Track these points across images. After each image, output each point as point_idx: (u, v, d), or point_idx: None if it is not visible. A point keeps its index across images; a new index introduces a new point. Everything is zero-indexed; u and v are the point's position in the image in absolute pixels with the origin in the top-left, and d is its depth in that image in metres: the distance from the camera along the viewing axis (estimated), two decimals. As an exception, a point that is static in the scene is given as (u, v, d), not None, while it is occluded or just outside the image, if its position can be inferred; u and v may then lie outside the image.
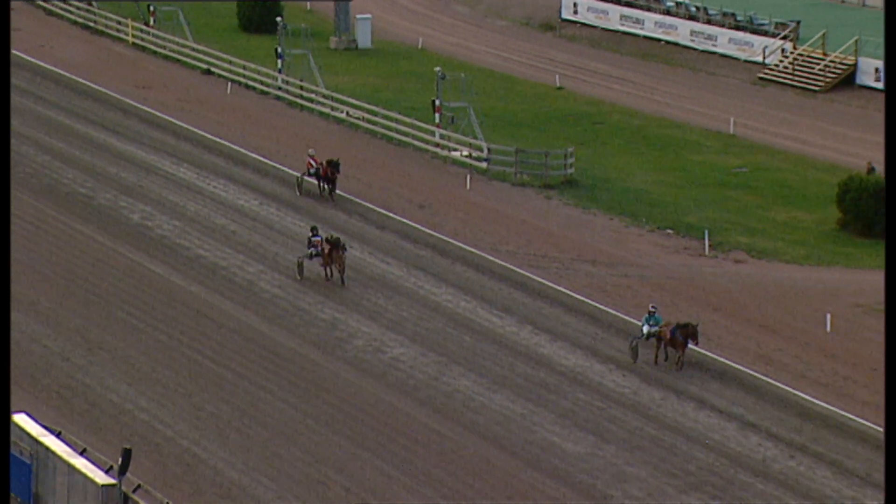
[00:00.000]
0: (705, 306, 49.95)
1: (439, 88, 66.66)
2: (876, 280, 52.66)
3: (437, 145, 66.41)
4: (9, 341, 39.75)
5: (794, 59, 79.26)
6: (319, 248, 51.04)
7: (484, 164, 64.27)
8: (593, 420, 42.26)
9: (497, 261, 53.80)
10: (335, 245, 50.62)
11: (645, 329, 45.34)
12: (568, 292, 51.09)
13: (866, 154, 62.23)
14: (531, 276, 52.44)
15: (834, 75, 77.41)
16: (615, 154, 66.92)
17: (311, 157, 59.94)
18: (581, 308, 49.95)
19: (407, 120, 68.06)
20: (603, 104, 75.35)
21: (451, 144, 65.92)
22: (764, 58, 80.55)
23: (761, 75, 79.83)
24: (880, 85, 72.34)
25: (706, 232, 56.46)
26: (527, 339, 47.51)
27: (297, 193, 59.83)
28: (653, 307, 45.89)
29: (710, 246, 55.78)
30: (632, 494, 38.38)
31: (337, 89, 73.13)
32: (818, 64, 78.19)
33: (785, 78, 78.80)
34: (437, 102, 66.62)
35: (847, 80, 76.95)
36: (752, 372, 45.03)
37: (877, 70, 74.29)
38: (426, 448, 40.92)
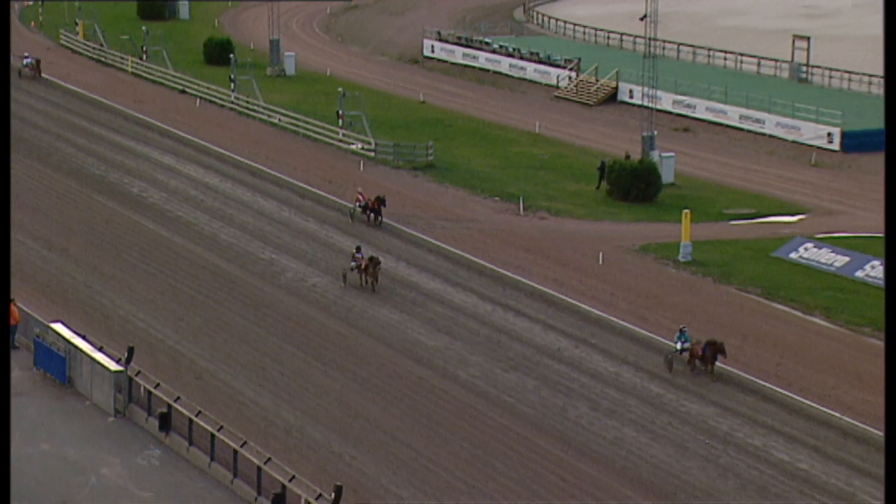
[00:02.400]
0: (520, 248, 50.15)
1: (341, 102, 66.58)
2: (631, 229, 53.50)
3: (341, 141, 66.29)
4: (8, 343, 37.98)
5: (577, 83, 79.81)
6: (359, 263, 44.84)
7: (372, 154, 64.17)
8: (447, 326, 42.48)
9: (383, 218, 53.82)
10: (371, 261, 44.58)
11: (678, 345, 38.42)
12: (430, 240, 51.09)
13: (624, 146, 62.78)
14: (405, 228, 52.44)
15: (602, 94, 77.85)
16: (460, 147, 67.11)
17: (360, 193, 53.32)
18: (438, 251, 49.97)
19: (319, 123, 67.87)
20: (452, 113, 75.49)
21: (350, 140, 65.86)
22: (557, 82, 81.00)
23: (556, 94, 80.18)
24: (634, 100, 72.91)
25: (521, 198, 56.77)
26: (399, 269, 47.68)
27: (350, 221, 52.49)
28: (683, 327, 38.84)
29: (523, 208, 56.07)
30: (472, 374, 38.74)
31: (272, 103, 72.75)
32: (592, 86, 78.75)
33: (571, 96, 79.24)
34: (340, 112, 66.60)
35: (611, 98, 77.41)
36: (549, 290, 45.24)
37: (630, 91, 75.00)
38: (334, 344, 40.98)
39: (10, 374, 29.75)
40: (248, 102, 73.68)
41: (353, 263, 44.99)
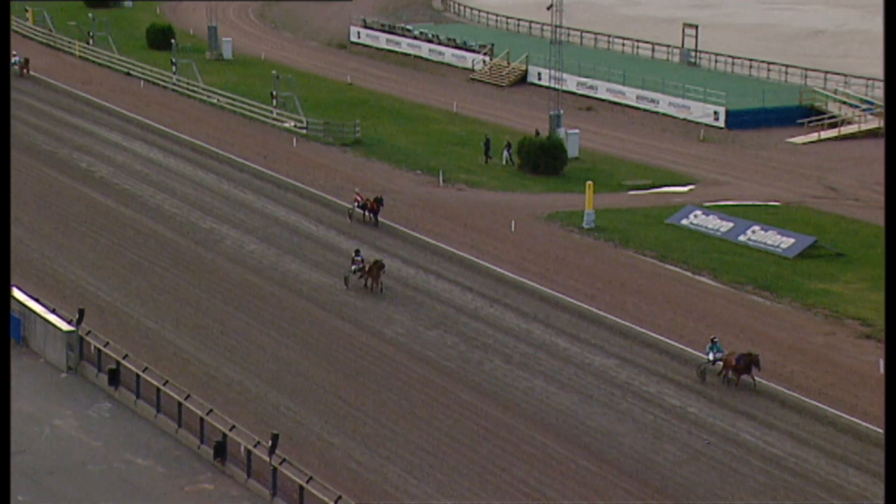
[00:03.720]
0: (440, 216, 50.13)
1: (275, 84, 65.96)
2: (540, 200, 53.71)
3: (275, 119, 65.69)
4: (8, 343, 33.96)
5: (491, 67, 79.65)
6: (362, 265, 41.27)
7: (304, 131, 63.64)
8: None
9: (312, 190, 53.57)
10: (376, 264, 41.08)
11: (711, 356, 34.84)
12: (356, 210, 51.01)
13: (533, 124, 62.94)
14: (335, 199, 52.21)
15: (514, 76, 77.73)
16: (385, 125, 66.80)
17: (358, 193, 49.12)
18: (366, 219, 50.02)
19: (255, 103, 67.14)
20: (377, 94, 75.03)
21: (283, 119, 65.29)
22: (472, 66, 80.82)
23: (471, 77, 79.96)
24: (542, 82, 72.97)
25: (440, 172, 56.77)
26: (330, 236, 47.49)
27: (349, 221, 48.51)
28: (714, 338, 35.27)
29: (443, 180, 56.06)
30: (397, 331, 38.64)
31: (211, 84, 71.92)
32: (504, 70, 78.64)
33: (485, 78, 79.03)
34: (274, 93, 65.95)
35: (521, 80, 77.29)
36: (467, 255, 45.22)
37: (539, 74, 75.05)
38: (271, 305, 40.78)
39: (9, 374, 29.01)
40: (188, 84, 72.73)
41: (354, 267, 41.15)
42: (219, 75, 76.09)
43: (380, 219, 48.46)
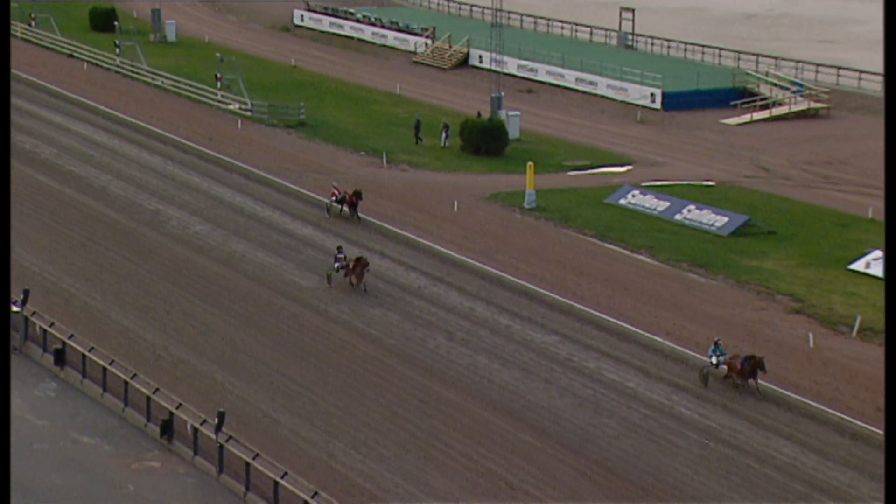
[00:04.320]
0: (384, 197, 49.98)
1: (219, 66, 65.35)
2: (481, 180, 53.73)
3: (219, 101, 65.11)
4: (8, 342, 34.06)
5: (433, 50, 79.54)
6: (345, 263, 39.63)
7: (249, 113, 63.21)
8: (319, 268, 42.20)
9: (257, 171, 53.22)
10: (360, 262, 39.32)
11: (714, 359, 33.16)
12: (301, 190, 50.67)
13: (475, 106, 63.01)
14: (278, 180, 51.94)
15: (455, 59, 77.72)
16: (329, 106, 66.53)
17: (336, 187, 47.05)
18: (309, 199, 49.59)
19: (199, 85, 66.59)
20: (321, 76, 74.72)
21: (228, 101, 64.75)
22: (415, 49, 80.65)
23: (414, 59, 79.86)
24: (483, 65, 72.92)
25: (384, 153, 56.65)
26: (275, 217, 47.25)
27: (327, 216, 46.57)
28: (717, 340, 33.68)
29: (386, 161, 55.99)
30: (342, 310, 38.43)
31: (155, 67, 71.10)
32: (446, 52, 78.57)
33: (427, 61, 78.94)
34: (218, 75, 65.37)
35: (463, 63, 77.28)
36: (410, 235, 44.81)
37: (480, 56, 74.98)
38: (217, 285, 40.50)
39: (9, 374, 28.50)
40: (132, 66, 71.87)
41: (337, 264, 39.56)
42: (163, 58, 75.24)
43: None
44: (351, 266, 39.09)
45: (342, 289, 39.92)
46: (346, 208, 46.09)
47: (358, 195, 45.97)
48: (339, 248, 40.31)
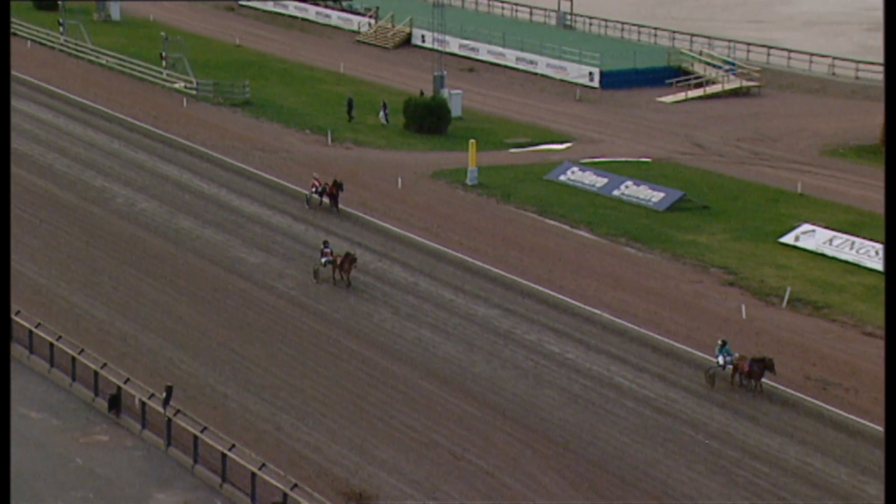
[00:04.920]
0: (329, 174, 49.38)
1: (164, 45, 64.70)
2: (425, 158, 53.59)
3: (165, 80, 64.33)
4: (8, 342, 32.72)
5: (376, 29, 79.05)
6: (332, 258, 37.98)
7: (194, 92, 62.52)
8: (265, 245, 41.92)
9: (203, 149, 52.70)
10: (347, 257, 37.76)
11: (721, 359, 31.56)
12: (247, 168, 50.35)
13: (418, 84, 62.81)
14: (225, 158, 51.52)
15: (398, 39, 77.28)
16: (274, 85, 65.97)
17: (316, 178, 45.19)
18: (255, 177, 49.27)
19: (144, 64, 65.79)
20: (266, 55, 74.02)
21: (173, 79, 63.98)
22: (358, 28, 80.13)
23: (357, 39, 79.34)
24: (426, 44, 72.64)
25: (329, 131, 56.31)
26: (221, 194, 46.79)
27: (307, 207, 44.81)
28: (722, 340, 32.01)
29: (331, 139, 55.66)
30: (288, 286, 38.24)
31: (100, 45, 70.07)
32: (389, 32, 78.11)
33: (371, 40, 78.44)
34: (163, 54, 64.66)
35: (406, 42, 76.90)
36: (355, 212, 44.96)
37: (422, 36, 74.66)
38: (164, 262, 40.13)
39: (9, 374, 27.82)
40: (76, 45, 70.75)
41: (324, 259, 37.88)
42: (107, 36, 74.18)
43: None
44: (339, 262, 37.49)
45: (289, 265, 39.68)
46: (326, 199, 44.35)
47: (338, 186, 44.25)
48: (326, 243, 38.37)
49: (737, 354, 31.49)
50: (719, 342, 31.93)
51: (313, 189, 44.81)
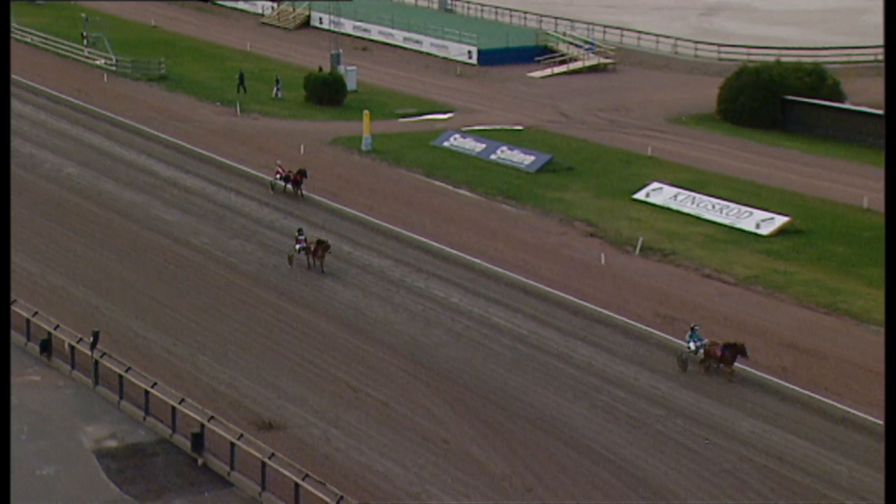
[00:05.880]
0: (238, 142, 49.07)
1: (85, 26, 63.17)
2: (324, 127, 53.03)
3: (86, 57, 62.46)
4: (8, 343, 29.79)
5: (279, 12, 77.74)
6: (306, 245, 35.42)
7: (114, 68, 60.95)
8: (182, 204, 41.11)
9: (123, 119, 51.41)
10: (321, 244, 35.17)
11: (692, 345, 28.78)
12: (163, 136, 49.31)
13: (317, 61, 61.89)
14: (144, 127, 50.38)
15: (299, 21, 76.23)
16: (187, 62, 64.47)
17: (280, 165, 42.25)
18: (170, 145, 48.29)
19: (67, 42, 63.87)
20: (179, 35, 72.30)
21: (94, 57, 62.14)
22: (262, 11, 78.77)
23: (262, 21, 77.97)
24: (323, 26, 71.60)
25: (238, 104, 55.27)
26: (140, 159, 45.69)
27: (271, 192, 42.01)
28: (694, 325, 29.24)
29: (240, 111, 54.69)
30: (203, 241, 37.48)
31: (25, 25, 67.52)
32: (290, 14, 76.94)
33: (274, 22, 77.21)
34: (84, 33, 63.02)
35: (306, 24, 75.93)
36: (262, 174, 44.07)
37: (320, 18, 73.64)
38: (89, 221, 39.23)
39: (9, 374, 26.38)
40: (3, 23, 68.07)
41: (298, 246, 35.28)
42: (31, 17, 71.61)
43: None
44: (312, 248, 34.99)
45: (203, 222, 39.00)
46: (289, 186, 41.49)
47: (302, 173, 41.39)
48: (300, 231, 35.66)
49: (707, 340, 28.57)
50: (690, 328, 29.01)
51: (277, 175, 41.87)
